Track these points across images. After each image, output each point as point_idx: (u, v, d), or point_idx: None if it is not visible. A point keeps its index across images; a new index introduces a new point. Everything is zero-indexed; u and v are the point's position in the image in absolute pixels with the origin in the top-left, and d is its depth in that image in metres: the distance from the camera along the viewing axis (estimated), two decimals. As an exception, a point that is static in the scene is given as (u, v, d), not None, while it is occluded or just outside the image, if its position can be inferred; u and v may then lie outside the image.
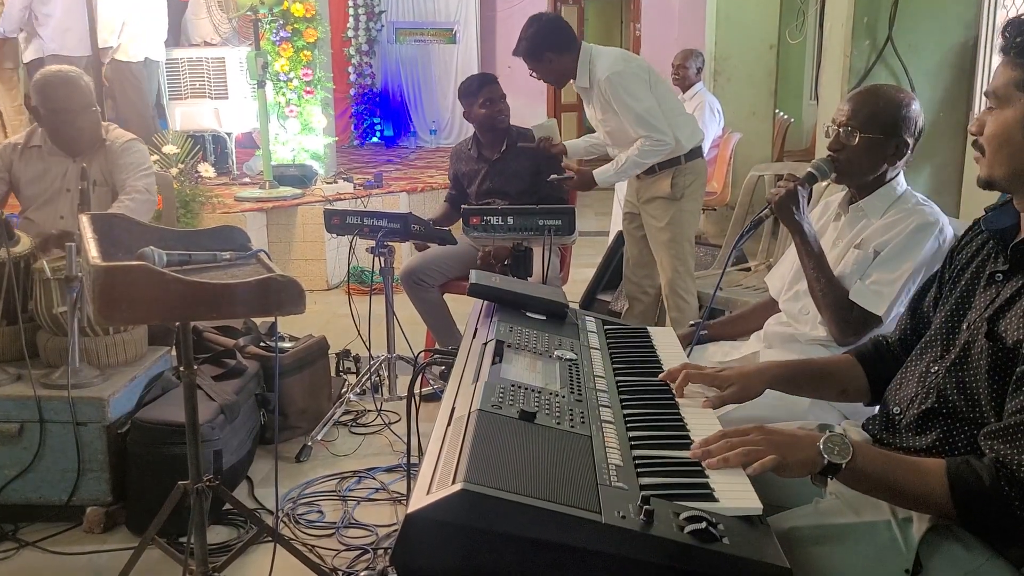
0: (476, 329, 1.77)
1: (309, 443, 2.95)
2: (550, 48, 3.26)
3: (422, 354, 1.72)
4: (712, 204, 5.72)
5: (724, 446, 1.25)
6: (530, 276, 2.96)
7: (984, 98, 1.37)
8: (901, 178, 2.12)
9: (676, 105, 3.48)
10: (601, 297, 4.38)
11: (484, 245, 3.22)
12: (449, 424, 1.29)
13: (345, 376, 3.52)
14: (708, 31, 7.36)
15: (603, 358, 1.71)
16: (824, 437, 1.24)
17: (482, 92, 3.57)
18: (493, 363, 1.50)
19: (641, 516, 1.07)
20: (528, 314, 1.86)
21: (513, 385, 1.41)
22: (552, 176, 3.37)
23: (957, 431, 1.34)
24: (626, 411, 1.45)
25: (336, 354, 3.50)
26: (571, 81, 3.38)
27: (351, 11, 9.37)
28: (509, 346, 1.60)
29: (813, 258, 2.08)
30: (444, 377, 3.37)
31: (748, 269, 3.77)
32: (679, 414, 1.47)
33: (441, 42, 10.04)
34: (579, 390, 1.47)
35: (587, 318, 1.95)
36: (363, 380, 3.25)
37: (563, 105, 9.97)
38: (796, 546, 1.31)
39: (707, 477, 1.23)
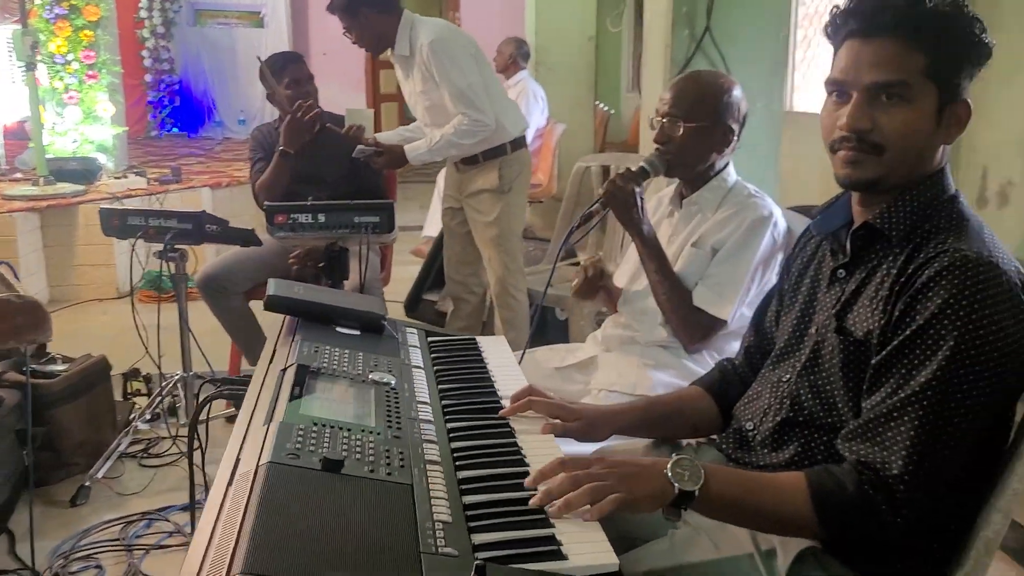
0: (275, 350, 1.48)
1: (87, 483, 2.50)
2: (368, 4, 2.99)
3: (203, 385, 1.42)
4: (538, 196, 5.62)
5: (566, 485, 1.05)
6: (347, 279, 2.68)
7: (841, 88, 1.18)
8: (731, 168, 2.02)
9: (501, 90, 3.30)
10: (428, 297, 4.15)
11: (294, 245, 2.91)
12: (230, 484, 1.01)
13: (134, 400, 3.07)
14: (528, 22, 7.28)
15: (427, 379, 1.47)
16: (671, 462, 1.07)
17: (287, 71, 3.23)
18: (292, 396, 1.23)
19: (475, 597, 0.85)
20: (339, 329, 1.60)
21: (316, 424, 1.14)
22: (359, 148, 3.07)
23: (815, 441, 1.22)
24: (455, 445, 1.23)
25: (123, 374, 3.06)
26: (389, 51, 3.12)
27: (143, -12, 8.61)
28: (313, 372, 1.34)
29: (655, 259, 1.94)
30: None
31: (578, 263, 3.65)
32: (516, 444, 1.26)
33: (247, 25, 9.44)
34: (398, 423, 1.23)
35: (408, 330, 1.71)
36: (154, 404, 2.85)
37: (383, 95, 9.61)
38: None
39: (552, 527, 1.02)
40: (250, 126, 9.25)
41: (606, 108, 7.32)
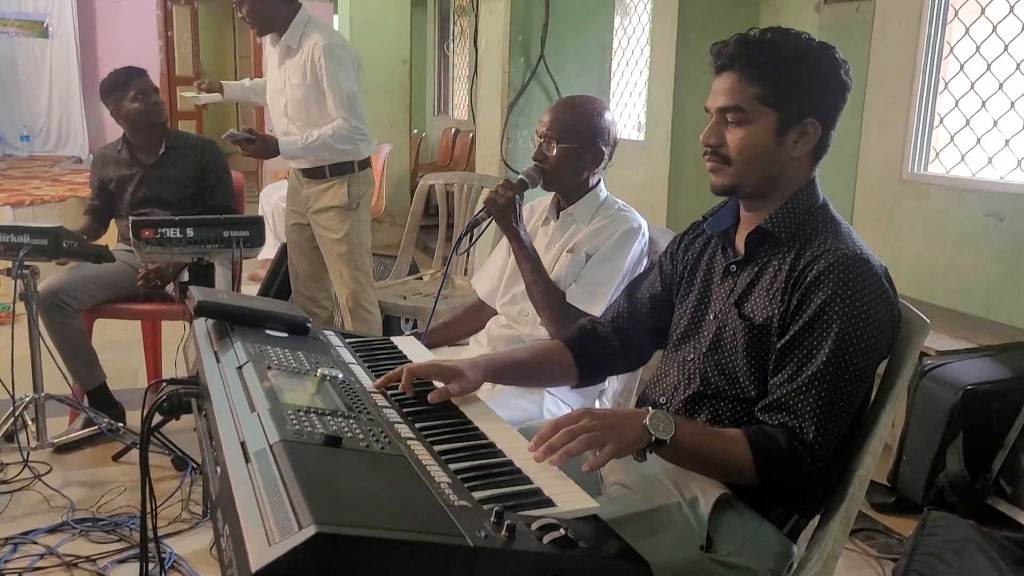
0: (216, 353, 1.54)
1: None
2: None
3: (163, 384, 1.46)
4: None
5: (564, 437, 1.23)
6: (212, 293, 2.68)
7: (708, 112, 1.46)
8: (603, 185, 2.28)
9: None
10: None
11: (155, 261, 2.87)
12: (248, 461, 1.10)
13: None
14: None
15: (366, 373, 1.59)
16: (649, 415, 1.28)
17: (132, 84, 3.17)
18: (264, 385, 1.32)
19: (503, 532, 1.00)
20: (268, 331, 1.67)
21: (299, 410, 1.24)
22: (230, 132, 3.06)
23: (722, 409, 1.46)
24: (419, 425, 1.36)
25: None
26: (269, 37, 3.21)
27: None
28: (269, 367, 1.42)
29: (530, 262, 2.14)
30: (88, 424, 2.94)
31: (421, 278, 3.80)
32: (469, 420, 1.42)
33: (30, 35, 8.76)
34: (366, 410, 1.34)
35: (327, 332, 1.81)
36: (4, 426, 2.70)
37: (178, 77, 9.20)
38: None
39: (534, 483, 1.19)
40: (34, 144, 8.64)
41: (416, 131, 7.54)
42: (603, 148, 2.19)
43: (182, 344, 2.00)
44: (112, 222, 3.41)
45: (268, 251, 4.85)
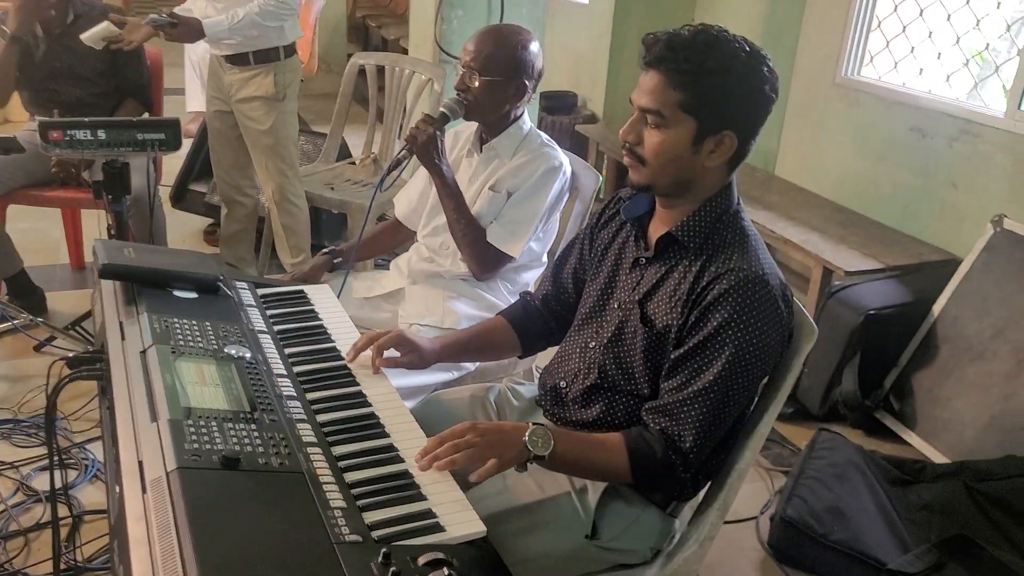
0: (121, 325, 1.54)
1: None
2: None
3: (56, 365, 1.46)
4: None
5: (448, 451, 1.29)
6: (129, 193, 2.61)
7: (632, 105, 1.43)
8: (526, 117, 2.24)
9: None
10: (194, 188, 4.04)
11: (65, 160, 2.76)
12: (145, 491, 1.13)
13: None
14: None
15: (275, 345, 1.61)
16: (529, 431, 1.34)
17: None
18: (166, 379, 1.34)
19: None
20: (176, 293, 1.67)
21: (202, 417, 1.27)
22: (151, 17, 2.89)
23: (617, 403, 1.53)
24: (321, 418, 1.41)
25: None
26: None
27: None
28: (175, 352, 1.43)
29: (453, 199, 2.14)
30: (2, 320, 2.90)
31: (354, 163, 3.73)
32: (371, 407, 1.48)
33: None
34: (269, 404, 1.37)
35: (240, 286, 1.81)
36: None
37: None
38: (492, 526, 1.41)
39: (426, 499, 1.25)
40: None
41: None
42: (527, 82, 2.15)
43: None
44: (18, 104, 3.24)
45: (200, 104, 4.68)
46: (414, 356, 1.64)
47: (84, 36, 2.86)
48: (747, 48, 1.37)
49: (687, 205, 1.46)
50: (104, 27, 2.86)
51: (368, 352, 1.58)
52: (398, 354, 1.62)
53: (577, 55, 5.50)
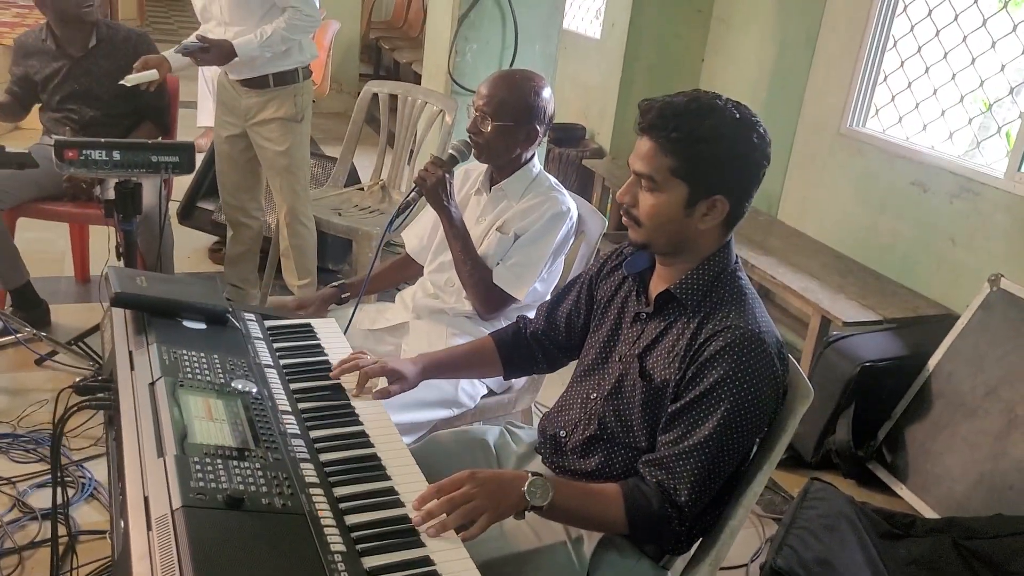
0: (131, 355, 1.56)
1: None
2: None
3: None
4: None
5: (443, 506, 1.30)
6: (140, 214, 2.64)
7: (631, 173, 1.48)
8: (536, 160, 2.28)
9: None
10: (202, 205, 4.07)
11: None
12: (150, 529, 1.15)
13: None
14: None
15: (280, 380, 1.64)
16: (528, 481, 1.37)
17: None
18: (173, 420, 1.36)
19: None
20: (185, 323, 1.69)
21: (208, 454, 1.30)
22: (182, 43, 2.91)
23: (616, 454, 1.55)
24: (324, 458, 1.43)
25: None
26: None
27: None
28: (183, 385, 1.46)
29: (460, 239, 2.18)
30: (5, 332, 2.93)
31: (362, 189, 3.77)
32: (373, 448, 1.50)
33: None
34: (273, 442, 1.40)
35: (248, 319, 1.84)
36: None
37: None
38: (488, 573, 1.43)
39: (424, 545, 1.27)
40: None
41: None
42: (537, 127, 2.19)
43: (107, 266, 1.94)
44: (36, 112, 3.28)
45: (209, 119, 4.72)
46: (402, 383, 1.71)
47: (128, 80, 2.84)
48: (738, 115, 1.41)
49: (685, 264, 1.50)
50: (150, 74, 2.87)
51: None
52: (387, 384, 1.67)
53: (587, 88, 5.56)
